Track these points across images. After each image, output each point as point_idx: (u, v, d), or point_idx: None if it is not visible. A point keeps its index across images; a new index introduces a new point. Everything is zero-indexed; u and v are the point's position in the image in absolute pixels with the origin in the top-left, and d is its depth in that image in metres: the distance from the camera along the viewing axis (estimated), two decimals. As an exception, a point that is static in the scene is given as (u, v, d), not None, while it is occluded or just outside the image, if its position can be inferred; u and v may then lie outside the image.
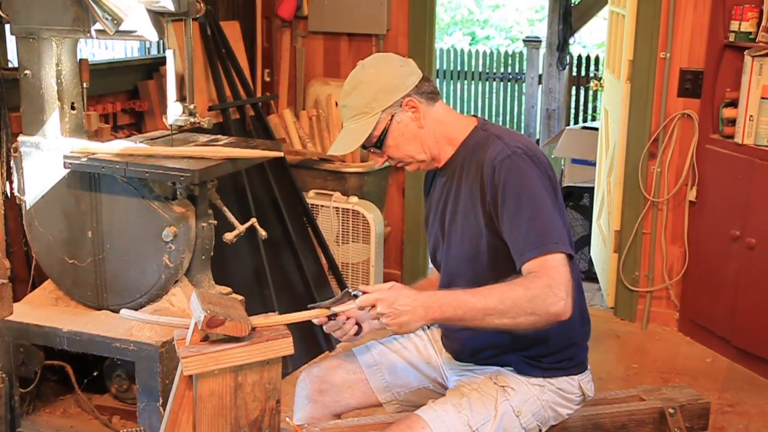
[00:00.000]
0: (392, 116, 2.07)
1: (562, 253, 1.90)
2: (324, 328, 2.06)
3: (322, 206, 4.34)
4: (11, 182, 3.12)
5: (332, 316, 2.01)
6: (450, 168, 2.15)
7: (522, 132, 9.13)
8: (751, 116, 3.67)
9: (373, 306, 1.86)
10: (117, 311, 2.96)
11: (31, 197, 3.02)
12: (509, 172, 1.97)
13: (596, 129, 5.12)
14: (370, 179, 4.36)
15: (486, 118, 9.34)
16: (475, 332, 2.13)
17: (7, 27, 3.03)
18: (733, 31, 3.74)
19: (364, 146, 2.11)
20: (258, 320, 1.87)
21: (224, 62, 4.06)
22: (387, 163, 2.20)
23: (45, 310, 3.05)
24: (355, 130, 2.08)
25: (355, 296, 1.90)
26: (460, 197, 2.10)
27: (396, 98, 2.07)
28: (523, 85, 9.22)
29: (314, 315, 1.99)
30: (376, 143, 2.10)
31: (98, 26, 2.73)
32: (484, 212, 2.02)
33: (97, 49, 7.36)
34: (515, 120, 9.42)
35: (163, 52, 3.54)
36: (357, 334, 2.12)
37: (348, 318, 2.07)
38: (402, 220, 4.71)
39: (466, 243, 2.09)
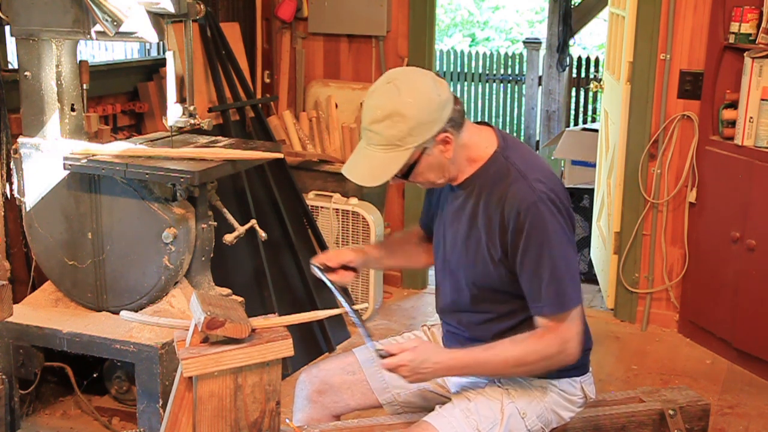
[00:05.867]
0: (423, 149, 1.96)
1: (577, 307, 2.01)
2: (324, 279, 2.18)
3: (322, 208, 4.33)
4: (11, 184, 3.12)
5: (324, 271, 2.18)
6: (468, 187, 2.08)
7: (522, 133, 9.12)
8: (751, 118, 3.67)
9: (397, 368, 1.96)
10: (117, 313, 2.96)
11: (31, 199, 3.02)
12: (533, 222, 1.95)
13: (596, 130, 5.11)
14: (370, 181, 4.34)
15: (486, 119, 9.22)
16: (475, 342, 2.13)
17: (7, 28, 3.03)
18: (733, 33, 3.74)
19: None
20: (258, 322, 1.87)
21: (224, 64, 4.06)
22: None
23: (45, 312, 3.05)
24: (384, 161, 1.95)
25: (381, 356, 1.96)
26: (477, 222, 2.05)
27: (432, 134, 1.94)
28: (523, 86, 9.21)
29: (328, 314, 2.08)
30: (402, 174, 2.00)
31: (98, 28, 2.73)
32: (502, 247, 2.02)
33: (97, 51, 7.34)
34: (515, 122, 9.42)
35: (163, 53, 3.55)
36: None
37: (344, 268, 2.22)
38: (402, 221, 4.71)
39: (479, 267, 2.07)
